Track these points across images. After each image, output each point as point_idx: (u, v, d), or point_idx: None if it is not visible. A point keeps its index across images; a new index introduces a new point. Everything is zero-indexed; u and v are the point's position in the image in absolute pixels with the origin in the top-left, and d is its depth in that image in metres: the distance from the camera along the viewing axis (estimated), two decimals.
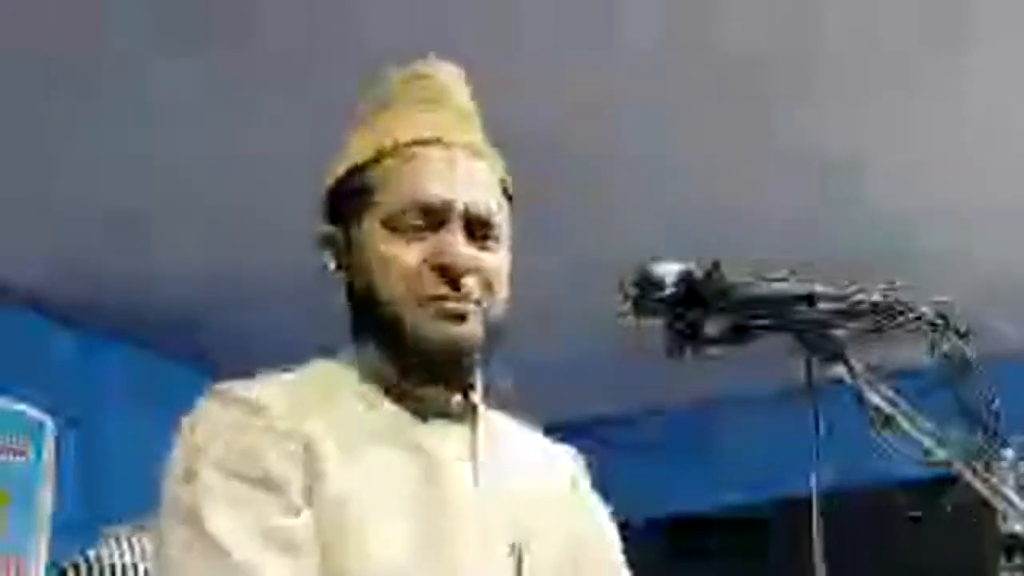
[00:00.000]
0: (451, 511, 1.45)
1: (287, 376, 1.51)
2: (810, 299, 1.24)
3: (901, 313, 1.21)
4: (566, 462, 1.65)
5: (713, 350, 1.27)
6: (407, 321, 1.47)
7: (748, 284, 1.26)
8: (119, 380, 4.33)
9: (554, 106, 3.25)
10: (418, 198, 1.49)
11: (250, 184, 3.58)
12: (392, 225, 1.49)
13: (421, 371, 1.49)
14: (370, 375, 1.51)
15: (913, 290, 1.23)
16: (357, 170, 1.53)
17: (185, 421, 1.45)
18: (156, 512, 1.43)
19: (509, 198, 1.57)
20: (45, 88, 3.17)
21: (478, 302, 1.48)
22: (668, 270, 1.26)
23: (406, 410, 1.50)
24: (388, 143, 1.52)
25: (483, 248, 1.50)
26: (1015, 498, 1.16)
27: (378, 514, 1.41)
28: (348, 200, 1.53)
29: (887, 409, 1.20)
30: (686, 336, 1.26)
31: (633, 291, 1.26)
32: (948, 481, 1.19)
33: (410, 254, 1.48)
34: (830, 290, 1.24)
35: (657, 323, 1.27)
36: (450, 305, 1.47)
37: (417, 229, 1.49)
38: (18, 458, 4.02)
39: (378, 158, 1.52)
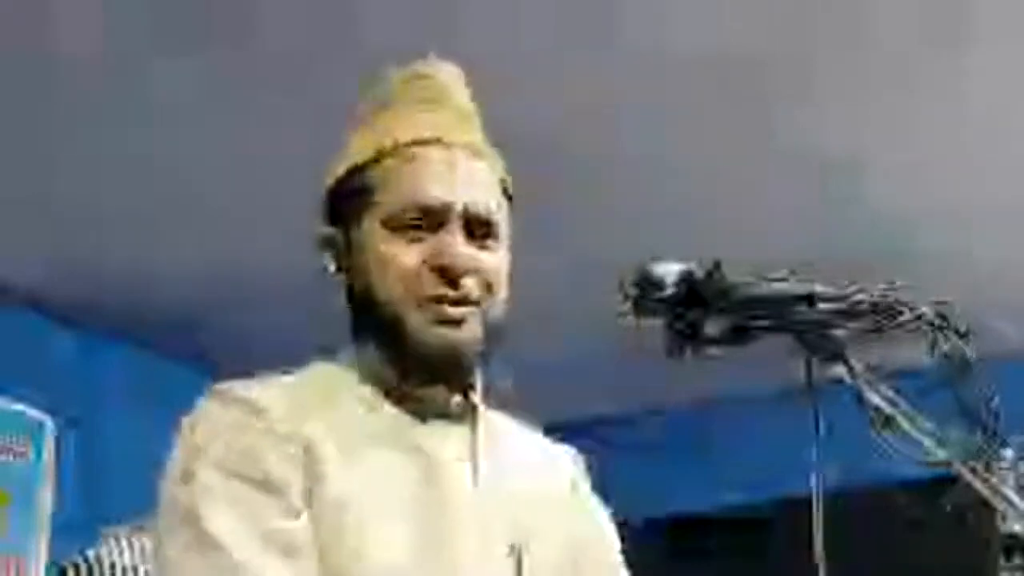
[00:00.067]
0: (451, 512, 1.45)
1: (287, 378, 1.51)
2: (810, 299, 1.24)
3: (901, 313, 1.21)
4: (566, 463, 1.65)
5: (713, 350, 1.27)
6: (407, 322, 1.47)
7: (748, 284, 1.26)
8: (119, 380, 4.33)
9: (554, 106, 3.25)
10: (418, 199, 1.49)
11: (250, 184, 3.58)
12: (392, 225, 1.49)
13: (421, 373, 1.49)
14: (370, 377, 1.51)
15: (913, 290, 1.23)
16: (357, 170, 1.53)
17: (185, 421, 1.45)
18: (156, 512, 1.43)
19: (509, 198, 1.57)
20: (45, 88, 3.17)
21: (477, 303, 1.48)
22: (668, 270, 1.26)
23: (406, 412, 1.50)
24: (388, 143, 1.52)
25: (482, 248, 1.50)
26: (1015, 498, 1.16)
27: (378, 516, 1.41)
28: (348, 200, 1.53)
29: (887, 409, 1.20)
30: (686, 336, 1.26)
31: (633, 291, 1.26)
32: (948, 481, 1.19)
33: (409, 255, 1.48)
34: (830, 290, 1.24)
35: (657, 323, 1.27)
36: (449, 310, 1.46)
37: (417, 230, 1.48)
38: (18, 458, 4.02)
39: (378, 158, 1.52)
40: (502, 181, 1.56)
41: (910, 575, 4.47)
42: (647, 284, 1.26)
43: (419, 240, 1.48)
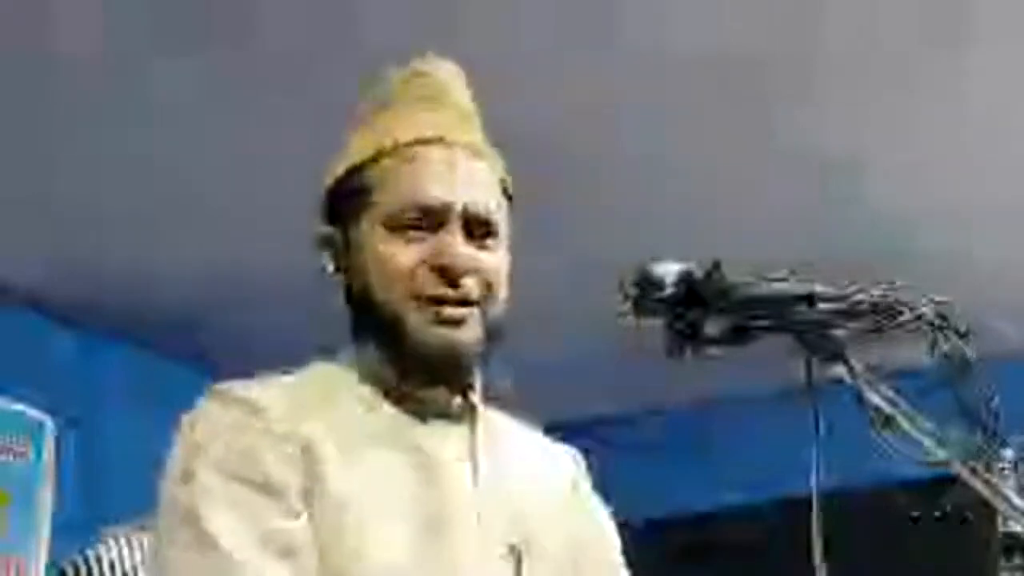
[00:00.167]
0: (451, 512, 1.45)
1: (287, 379, 1.51)
2: (810, 299, 1.24)
3: (901, 313, 1.21)
4: (567, 463, 1.65)
5: (713, 350, 1.27)
6: (406, 322, 1.47)
7: (748, 284, 1.26)
8: (119, 380, 4.33)
9: (554, 106, 3.25)
10: (418, 199, 1.49)
11: (250, 184, 3.58)
12: (391, 225, 1.49)
13: (420, 373, 1.49)
14: (369, 377, 1.51)
15: (913, 290, 1.23)
16: (356, 170, 1.53)
17: (185, 419, 1.45)
18: (156, 512, 1.43)
19: (509, 198, 1.57)
20: (45, 88, 3.17)
21: (477, 303, 1.48)
22: (668, 270, 1.26)
23: (405, 412, 1.50)
24: (388, 143, 1.52)
25: (482, 248, 1.50)
26: (1015, 498, 1.16)
27: (378, 516, 1.41)
28: (347, 200, 1.53)
29: (887, 409, 1.20)
30: (686, 336, 1.26)
31: (633, 291, 1.26)
32: (948, 481, 1.19)
33: (408, 255, 1.48)
34: (830, 290, 1.24)
35: (657, 323, 1.27)
36: (449, 310, 1.46)
37: (416, 229, 1.48)
38: (18, 458, 4.02)
39: (377, 157, 1.52)
40: (502, 181, 1.56)
41: (910, 575, 4.47)
42: (647, 284, 1.26)
43: (418, 240, 1.48)
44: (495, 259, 1.51)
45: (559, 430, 1.70)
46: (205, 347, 4.34)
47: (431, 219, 1.48)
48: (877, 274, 1.26)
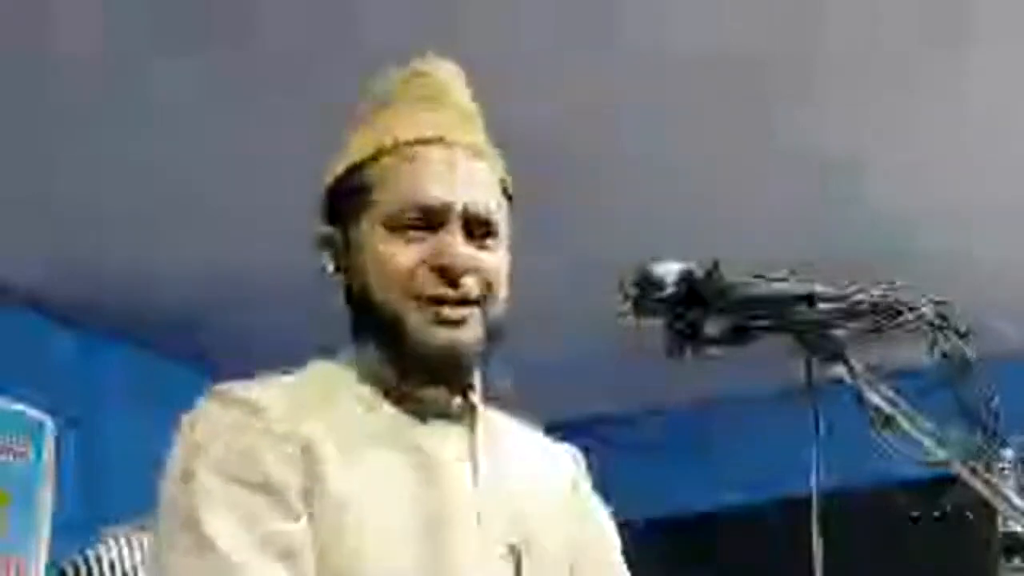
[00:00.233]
0: (450, 512, 1.45)
1: (287, 378, 1.51)
2: (810, 299, 1.24)
3: (901, 313, 1.21)
4: (567, 463, 1.65)
5: (713, 350, 1.27)
6: (406, 322, 1.46)
7: (748, 284, 1.26)
8: (119, 380, 4.33)
9: (554, 106, 3.25)
10: (418, 199, 1.48)
11: (250, 184, 3.58)
12: (391, 225, 1.49)
13: (420, 373, 1.49)
14: (369, 377, 1.51)
15: (913, 290, 1.23)
16: (356, 169, 1.53)
17: (185, 419, 1.45)
18: (156, 512, 1.43)
19: (509, 198, 1.57)
20: (45, 88, 3.17)
21: (477, 302, 1.48)
22: (668, 270, 1.26)
23: (405, 412, 1.50)
24: (388, 141, 1.52)
25: (482, 248, 1.50)
26: (1015, 498, 1.16)
27: (378, 516, 1.41)
28: (347, 199, 1.53)
29: (887, 409, 1.20)
30: (686, 336, 1.26)
31: (633, 291, 1.26)
32: (948, 481, 1.19)
33: (407, 254, 1.48)
34: (830, 290, 1.24)
35: (657, 323, 1.27)
36: (449, 310, 1.46)
37: (416, 229, 1.48)
38: (18, 458, 4.02)
39: (377, 157, 1.52)
40: (502, 181, 1.56)
41: (910, 575, 4.47)
42: (647, 284, 1.26)
43: (418, 240, 1.48)
44: (495, 259, 1.51)
45: (559, 430, 1.70)
46: (205, 347, 4.34)
47: (431, 219, 1.48)
48: (877, 274, 1.26)
